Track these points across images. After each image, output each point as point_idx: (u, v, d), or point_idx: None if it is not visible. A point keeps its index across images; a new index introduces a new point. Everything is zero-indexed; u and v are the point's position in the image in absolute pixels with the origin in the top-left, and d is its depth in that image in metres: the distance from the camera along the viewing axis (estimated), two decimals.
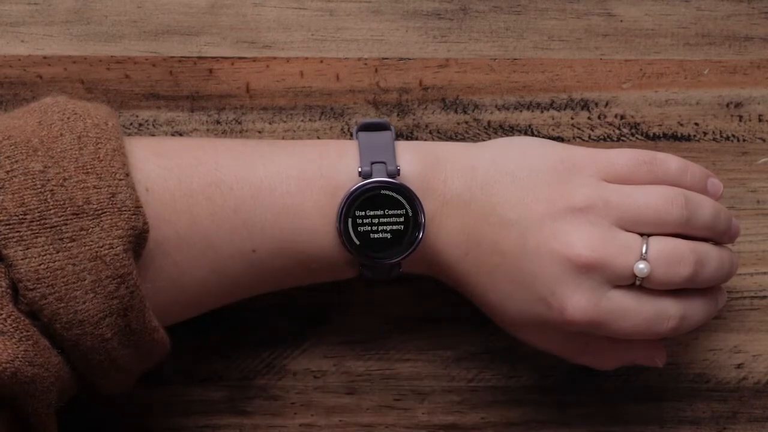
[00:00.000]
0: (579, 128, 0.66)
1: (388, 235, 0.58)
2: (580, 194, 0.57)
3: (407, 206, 0.57)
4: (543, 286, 0.56)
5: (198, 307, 0.58)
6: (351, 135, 0.65)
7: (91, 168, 0.51)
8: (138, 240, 0.52)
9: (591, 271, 0.56)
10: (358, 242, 0.57)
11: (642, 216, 0.57)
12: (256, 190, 0.56)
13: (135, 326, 0.53)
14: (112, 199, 0.51)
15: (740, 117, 0.66)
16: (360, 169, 0.57)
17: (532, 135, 0.66)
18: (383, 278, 0.60)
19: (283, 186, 0.56)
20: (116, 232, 0.50)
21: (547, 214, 0.56)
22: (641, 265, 0.56)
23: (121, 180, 0.51)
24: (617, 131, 0.66)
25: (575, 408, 0.67)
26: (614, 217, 0.57)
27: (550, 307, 0.57)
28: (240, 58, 0.65)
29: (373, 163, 0.57)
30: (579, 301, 0.56)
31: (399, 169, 0.58)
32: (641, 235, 0.57)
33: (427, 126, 0.66)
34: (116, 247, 0.50)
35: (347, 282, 0.62)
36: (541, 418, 0.66)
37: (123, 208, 0.51)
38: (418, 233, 0.58)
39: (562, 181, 0.57)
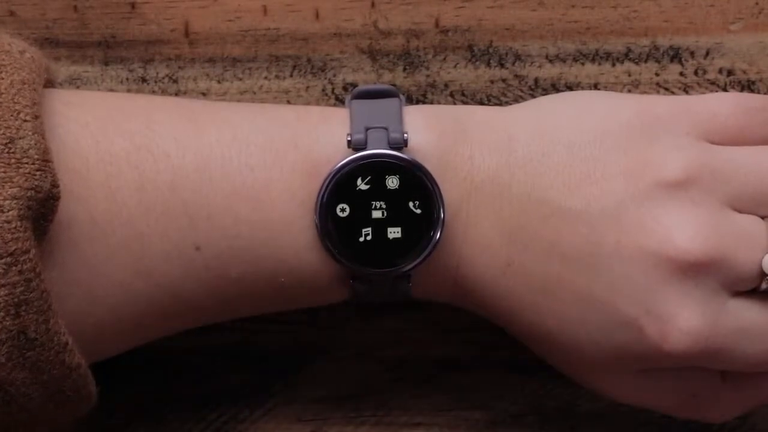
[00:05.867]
0: (667, 88, 0.61)
1: None
2: (674, 161, 0.52)
3: (418, 192, 0.52)
4: (631, 303, 0.51)
5: (118, 333, 0.52)
6: (340, 102, 0.60)
7: None
8: (42, 208, 0.47)
9: (702, 273, 0.51)
10: None
11: (764, 191, 0.53)
12: (203, 159, 0.51)
13: (33, 334, 0.47)
14: (9, 145, 0.47)
15: None
16: (350, 137, 0.52)
17: None
18: (384, 300, 0.54)
19: (241, 157, 0.52)
20: (11, 190, 0.46)
21: (628, 194, 0.51)
22: None
23: (25, 121, 0.48)
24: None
25: None
26: (725, 193, 0.52)
27: (643, 333, 0.51)
28: None
29: (368, 129, 0.52)
30: (689, 321, 0.51)
31: (407, 138, 0.52)
32: (763, 218, 0.53)
33: (447, 85, 0.60)
34: (8, 210, 0.46)
35: (331, 311, 0.58)
36: None
37: (24, 160, 0.47)
38: (435, 232, 0.52)
39: (644, 144, 0.52)
